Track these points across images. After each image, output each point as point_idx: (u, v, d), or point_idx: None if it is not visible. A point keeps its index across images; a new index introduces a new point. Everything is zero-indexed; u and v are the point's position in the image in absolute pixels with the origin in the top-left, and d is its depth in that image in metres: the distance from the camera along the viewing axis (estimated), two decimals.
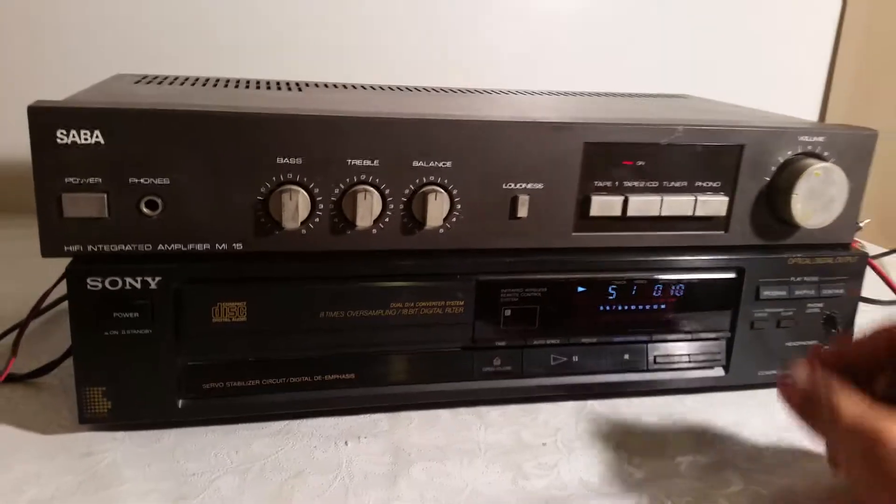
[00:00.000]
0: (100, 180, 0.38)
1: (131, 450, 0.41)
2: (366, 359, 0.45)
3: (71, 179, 0.38)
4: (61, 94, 0.47)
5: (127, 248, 0.40)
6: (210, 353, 0.42)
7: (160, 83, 0.54)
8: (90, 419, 0.41)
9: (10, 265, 0.67)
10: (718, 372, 0.50)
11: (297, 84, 0.59)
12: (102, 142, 0.38)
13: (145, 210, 0.39)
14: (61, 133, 0.37)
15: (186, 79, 0.57)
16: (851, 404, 0.36)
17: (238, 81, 0.59)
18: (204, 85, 0.54)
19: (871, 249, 0.77)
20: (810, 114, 1.06)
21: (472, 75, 0.89)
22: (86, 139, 0.38)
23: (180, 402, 0.42)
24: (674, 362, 0.49)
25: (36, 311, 0.49)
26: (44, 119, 0.37)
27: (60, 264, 0.47)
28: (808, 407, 0.38)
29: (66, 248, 0.39)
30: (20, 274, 0.62)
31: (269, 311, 0.42)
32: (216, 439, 0.42)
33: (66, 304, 0.53)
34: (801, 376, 0.38)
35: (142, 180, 0.39)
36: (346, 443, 0.43)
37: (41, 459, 0.40)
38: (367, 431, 0.44)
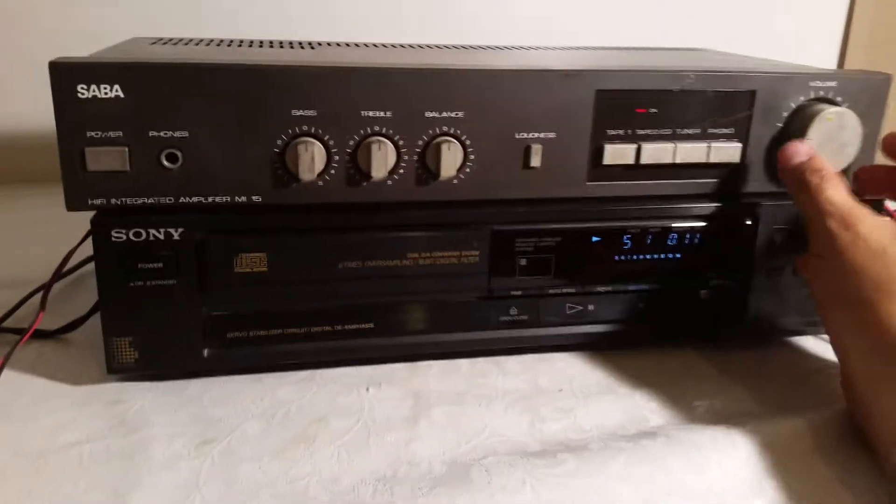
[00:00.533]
0: (121, 134, 0.39)
1: (159, 397, 0.42)
2: (384, 308, 0.45)
3: (93, 133, 0.39)
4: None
5: (149, 200, 0.40)
6: (233, 303, 0.43)
7: (175, 44, 0.55)
8: (118, 369, 0.42)
9: (34, 231, 0.69)
10: (735, 319, 0.51)
11: (310, 43, 0.60)
12: (122, 95, 0.39)
13: (166, 163, 0.40)
14: (82, 88, 0.38)
15: (201, 40, 0.58)
16: (836, 188, 0.42)
17: (252, 42, 0.59)
18: (219, 45, 0.55)
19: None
20: (828, 65, 1.05)
21: (487, 36, 0.89)
22: (106, 93, 0.38)
23: (206, 352, 0.43)
24: (690, 310, 0.50)
25: (61, 270, 0.50)
26: (65, 74, 0.38)
27: (81, 229, 0.48)
28: (800, 179, 0.43)
29: (90, 202, 0.40)
30: (44, 239, 0.64)
31: (289, 261, 0.43)
32: (242, 387, 0.43)
33: (87, 267, 0.55)
34: (805, 150, 0.44)
35: (161, 133, 0.40)
36: (367, 389, 0.44)
37: (74, 407, 0.41)
38: (388, 379, 0.45)
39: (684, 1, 0.96)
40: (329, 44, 0.61)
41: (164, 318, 0.42)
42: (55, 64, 0.38)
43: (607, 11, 0.94)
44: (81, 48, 0.53)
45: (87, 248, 0.53)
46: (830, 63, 1.05)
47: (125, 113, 0.39)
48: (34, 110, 0.82)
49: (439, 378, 0.45)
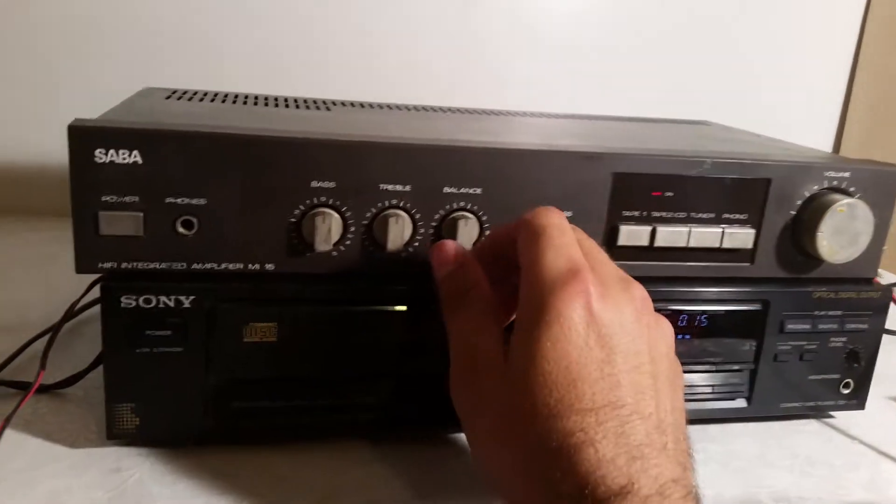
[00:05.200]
0: (137, 199, 0.39)
1: (158, 467, 0.41)
2: (394, 383, 0.45)
3: (108, 198, 0.38)
4: (89, 104, 0.47)
5: (161, 266, 0.40)
6: (239, 372, 0.42)
7: (190, 99, 0.54)
8: (118, 435, 0.41)
9: (40, 270, 0.68)
10: (741, 403, 0.50)
11: (325, 102, 0.60)
12: (140, 161, 0.38)
13: (181, 229, 0.40)
14: (100, 152, 0.38)
15: (216, 94, 0.58)
16: (465, 312, 0.38)
17: (266, 99, 0.59)
18: (234, 102, 0.55)
19: (888, 278, 0.77)
20: (825, 140, 1.06)
21: (489, 100, 0.90)
22: (124, 159, 0.38)
23: (209, 421, 0.42)
24: (697, 392, 0.50)
25: (61, 325, 0.49)
26: (83, 138, 0.37)
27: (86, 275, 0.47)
28: (446, 285, 0.40)
29: (100, 265, 0.39)
30: (49, 279, 0.63)
31: (299, 332, 0.42)
32: (243, 459, 0.42)
33: (90, 312, 0.54)
34: (451, 259, 0.41)
35: (178, 200, 0.39)
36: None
37: (71, 474, 0.40)
38: (392, 450, 0.44)
39: (678, 70, 0.98)
40: (343, 103, 0.61)
41: (169, 385, 0.41)
42: (74, 127, 0.37)
43: (607, 78, 0.95)
44: (90, 92, 0.53)
45: (89, 296, 0.52)
46: (828, 137, 1.07)
47: (142, 178, 0.38)
48: (43, 145, 0.81)
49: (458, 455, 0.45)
